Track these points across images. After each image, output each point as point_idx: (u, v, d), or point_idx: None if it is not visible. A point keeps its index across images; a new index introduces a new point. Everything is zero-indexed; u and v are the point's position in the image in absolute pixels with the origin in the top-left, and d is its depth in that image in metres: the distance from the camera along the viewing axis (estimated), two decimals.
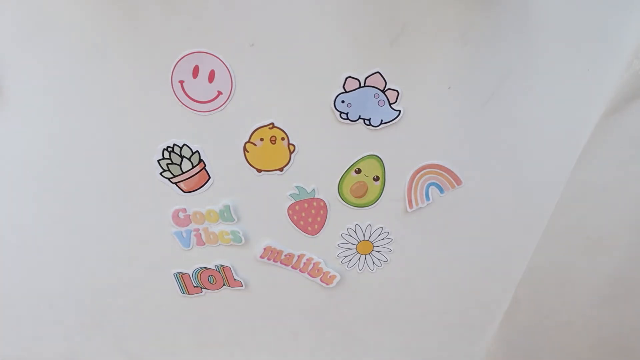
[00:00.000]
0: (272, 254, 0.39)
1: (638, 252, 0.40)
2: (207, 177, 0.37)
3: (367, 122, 0.35)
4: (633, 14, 0.31)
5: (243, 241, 0.39)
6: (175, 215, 0.38)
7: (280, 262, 0.40)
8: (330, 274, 0.40)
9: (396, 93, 0.34)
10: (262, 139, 0.35)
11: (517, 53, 0.34)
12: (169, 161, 0.36)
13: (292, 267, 0.40)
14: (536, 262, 0.40)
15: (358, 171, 0.37)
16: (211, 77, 0.33)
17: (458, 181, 0.38)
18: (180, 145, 0.35)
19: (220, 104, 0.34)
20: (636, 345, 0.42)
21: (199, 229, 0.38)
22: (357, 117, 0.35)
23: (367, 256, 0.41)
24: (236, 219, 0.38)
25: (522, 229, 0.41)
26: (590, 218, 0.39)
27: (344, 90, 0.34)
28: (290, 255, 0.40)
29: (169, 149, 0.35)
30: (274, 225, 0.39)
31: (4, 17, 0.31)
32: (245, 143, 0.35)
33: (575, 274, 0.40)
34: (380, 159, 0.37)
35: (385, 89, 0.34)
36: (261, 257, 0.39)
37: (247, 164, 0.36)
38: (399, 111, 0.35)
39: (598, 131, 0.36)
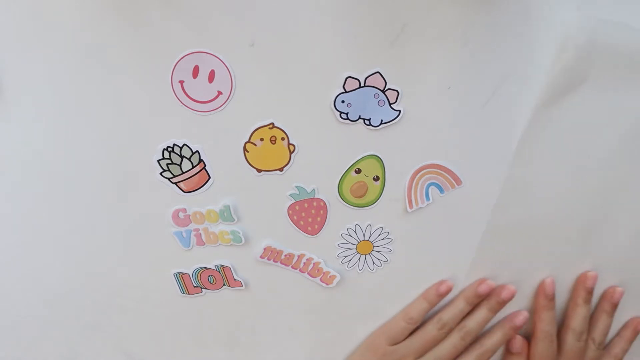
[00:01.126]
0: (272, 254, 0.39)
1: (577, 247, 0.41)
2: (207, 177, 0.37)
3: (367, 122, 0.35)
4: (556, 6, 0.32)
5: (243, 241, 0.39)
6: (175, 215, 0.38)
7: (280, 262, 0.40)
8: (330, 274, 0.40)
9: (396, 93, 0.34)
10: (262, 139, 0.35)
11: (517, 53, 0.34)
12: (169, 161, 0.36)
13: (292, 267, 0.40)
14: (480, 259, 0.41)
15: (358, 171, 0.37)
16: (211, 77, 0.33)
17: (458, 181, 0.38)
18: (180, 145, 0.35)
19: (220, 104, 0.34)
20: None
21: (199, 229, 0.38)
22: (357, 117, 0.35)
23: (367, 256, 0.41)
24: (236, 219, 0.38)
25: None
26: (529, 214, 0.40)
27: (344, 90, 0.34)
28: (290, 255, 0.40)
29: (169, 149, 0.35)
30: (274, 225, 0.39)
31: (4, 18, 0.31)
32: (245, 143, 0.35)
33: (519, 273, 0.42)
34: (380, 159, 0.37)
35: (385, 89, 0.34)
36: (261, 257, 0.39)
37: (247, 164, 0.36)
38: (399, 111, 0.35)
39: (532, 127, 0.36)
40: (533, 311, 0.43)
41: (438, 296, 0.41)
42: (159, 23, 0.31)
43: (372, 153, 0.36)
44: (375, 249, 0.40)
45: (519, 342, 0.43)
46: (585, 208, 0.40)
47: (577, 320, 0.42)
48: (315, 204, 0.38)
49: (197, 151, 0.36)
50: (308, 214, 0.38)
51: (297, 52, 0.33)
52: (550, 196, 0.39)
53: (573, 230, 0.41)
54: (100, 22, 0.31)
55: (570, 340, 0.43)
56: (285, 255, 0.40)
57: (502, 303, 0.41)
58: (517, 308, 0.43)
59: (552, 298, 0.42)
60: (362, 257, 0.41)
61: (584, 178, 0.39)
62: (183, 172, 0.36)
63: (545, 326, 0.42)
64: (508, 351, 0.44)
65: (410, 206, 0.38)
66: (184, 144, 0.35)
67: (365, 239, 0.40)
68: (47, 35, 0.32)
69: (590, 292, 0.42)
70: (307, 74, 0.33)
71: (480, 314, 0.41)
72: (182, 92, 0.33)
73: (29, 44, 0.32)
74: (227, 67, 0.33)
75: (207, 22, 0.31)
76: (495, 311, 0.41)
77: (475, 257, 0.41)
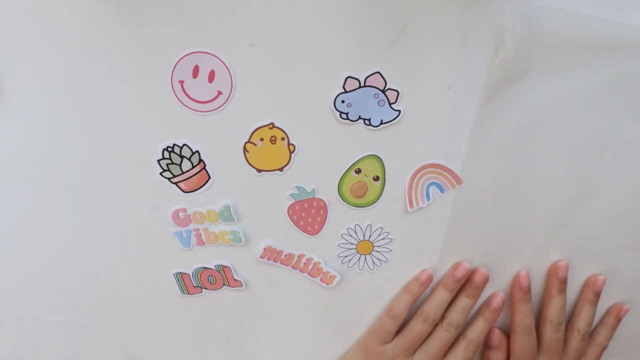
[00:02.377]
0: (272, 254, 0.39)
1: (549, 237, 0.41)
2: (207, 177, 0.37)
3: (367, 122, 0.35)
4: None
5: (243, 241, 0.39)
6: (175, 215, 0.38)
7: (280, 262, 0.40)
8: (330, 274, 0.40)
9: (396, 93, 0.34)
10: (262, 139, 0.35)
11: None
12: (169, 161, 0.36)
13: (292, 267, 0.40)
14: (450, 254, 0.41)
15: (358, 171, 0.37)
16: (211, 77, 0.33)
17: (458, 180, 0.38)
18: (180, 145, 0.35)
19: (220, 104, 0.34)
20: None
21: (199, 229, 0.38)
22: (357, 117, 0.35)
23: (367, 256, 0.41)
24: (236, 219, 0.38)
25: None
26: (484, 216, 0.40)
27: (344, 90, 0.34)
28: (290, 255, 0.40)
29: (169, 149, 0.35)
30: (274, 225, 0.39)
31: (4, 18, 0.31)
32: (245, 143, 0.35)
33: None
34: (380, 159, 0.37)
35: (385, 89, 0.34)
36: (261, 257, 0.39)
37: (247, 164, 0.36)
38: (399, 111, 0.35)
39: (477, 126, 0.36)
40: (510, 305, 0.43)
41: (420, 285, 0.40)
42: (159, 23, 0.31)
43: (372, 153, 0.36)
44: (375, 249, 0.40)
45: (496, 336, 0.43)
46: (552, 197, 0.40)
47: (553, 311, 0.42)
48: (315, 204, 0.38)
49: (197, 151, 0.36)
50: (308, 214, 0.38)
51: (297, 52, 0.33)
52: (518, 188, 0.39)
53: (544, 220, 0.40)
54: (100, 23, 0.31)
55: (548, 332, 0.42)
56: (285, 255, 0.40)
57: (478, 288, 0.40)
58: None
59: (527, 290, 0.41)
60: (362, 257, 0.41)
61: (548, 167, 0.38)
62: (183, 172, 0.36)
63: (523, 319, 0.42)
64: (487, 346, 0.43)
65: (411, 206, 0.38)
66: (184, 144, 0.35)
67: (365, 239, 0.40)
68: (47, 36, 0.32)
69: (563, 281, 0.41)
70: (307, 74, 0.33)
71: (460, 302, 0.41)
72: (182, 92, 0.33)
73: (29, 44, 0.32)
74: (227, 67, 0.33)
75: (207, 22, 0.31)
76: (473, 297, 0.40)
77: (444, 252, 0.40)
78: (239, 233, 0.38)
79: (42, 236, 0.39)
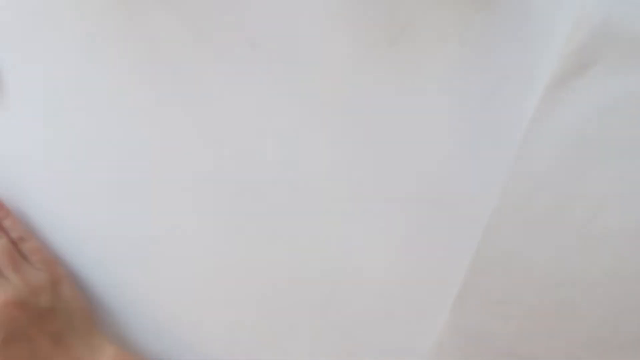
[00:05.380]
0: None
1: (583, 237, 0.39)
2: None
3: None
4: None
5: None
6: None
7: None
8: None
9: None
10: None
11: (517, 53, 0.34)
12: None
13: None
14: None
15: None
16: None
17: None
18: None
19: None
20: (586, 323, 0.39)
21: None
22: None
23: None
24: None
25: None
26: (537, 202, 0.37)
27: None
28: None
29: None
30: None
31: (4, 17, 0.31)
32: None
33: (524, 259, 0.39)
34: None
35: None
36: None
37: None
38: None
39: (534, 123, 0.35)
40: None
41: None
42: (160, 23, 0.31)
43: None
44: None
45: None
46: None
47: None
48: None
49: None
50: None
51: (297, 52, 0.33)
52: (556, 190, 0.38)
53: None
54: (100, 23, 0.31)
55: None
56: None
57: None
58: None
59: None
60: None
61: (588, 168, 0.37)
62: None
63: None
64: None
65: None
66: None
67: None
68: (47, 34, 0.32)
69: None
70: (307, 73, 0.33)
71: None
72: None
73: (29, 43, 0.32)
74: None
75: (207, 22, 0.31)
76: None
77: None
78: None
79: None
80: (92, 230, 0.38)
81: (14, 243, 0.36)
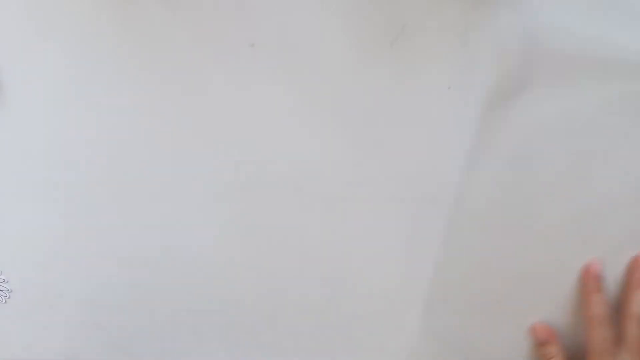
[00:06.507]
0: None
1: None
2: None
3: None
4: None
5: None
6: None
7: None
8: None
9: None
10: None
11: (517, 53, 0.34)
12: None
13: None
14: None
15: None
16: None
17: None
18: None
19: None
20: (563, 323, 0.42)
21: None
22: None
23: None
24: None
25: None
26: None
27: None
28: None
29: None
30: None
31: (5, 17, 0.31)
32: None
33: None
34: None
35: None
36: None
37: None
38: None
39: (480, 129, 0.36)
40: (581, 299, 0.41)
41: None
42: (160, 23, 0.31)
43: None
44: None
45: (543, 330, 0.40)
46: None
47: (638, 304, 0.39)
48: None
49: None
50: None
51: (297, 52, 0.33)
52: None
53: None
54: (99, 23, 0.31)
55: (633, 328, 0.41)
56: None
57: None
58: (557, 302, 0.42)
59: (599, 279, 0.39)
60: None
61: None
62: None
63: (597, 310, 0.40)
64: (538, 344, 0.41)
65: None
66: None
67: None
68: (47, 35, 0.32)
69: None
70: (307, 74, 0.33)
71: None
72: None
73: (29, 43, 0.32)
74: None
75: (207, 22, 0.31)
76: None
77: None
78: None
79: (41, 236, 0.39)
80: (92, 230, 0.38)
81: None
